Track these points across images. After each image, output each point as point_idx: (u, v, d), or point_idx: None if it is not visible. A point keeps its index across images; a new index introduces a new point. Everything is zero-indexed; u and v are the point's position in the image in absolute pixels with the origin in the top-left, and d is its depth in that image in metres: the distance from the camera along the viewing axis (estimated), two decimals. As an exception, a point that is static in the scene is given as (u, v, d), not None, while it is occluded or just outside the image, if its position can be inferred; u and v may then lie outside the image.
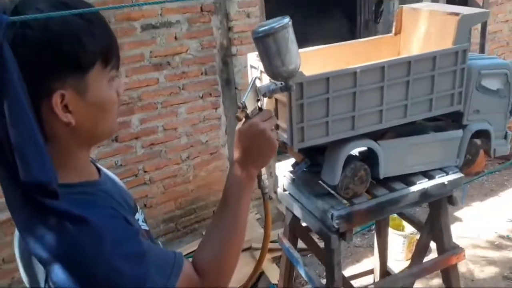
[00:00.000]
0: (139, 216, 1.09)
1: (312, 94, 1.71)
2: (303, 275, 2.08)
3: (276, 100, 1.81)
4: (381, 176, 1.91)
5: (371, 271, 2.69)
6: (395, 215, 3.67)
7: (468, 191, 4.62)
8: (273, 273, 3.27)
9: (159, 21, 3.56)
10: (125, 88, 3.55)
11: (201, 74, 3.85)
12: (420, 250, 2.12)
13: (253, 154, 1.08)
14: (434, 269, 2.06)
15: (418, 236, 3.41)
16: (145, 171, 3.69)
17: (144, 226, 1.09)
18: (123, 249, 0.85)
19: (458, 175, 2.02)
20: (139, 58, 3.60)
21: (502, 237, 3.95)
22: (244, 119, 1.12)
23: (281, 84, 1.26)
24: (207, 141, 3.93)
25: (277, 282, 2.71)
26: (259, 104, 1.19)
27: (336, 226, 1.80)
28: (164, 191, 3.79)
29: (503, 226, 4.12)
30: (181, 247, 3.60)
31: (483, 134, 2.10)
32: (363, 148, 1.95)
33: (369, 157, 1.93)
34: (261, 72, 1.85)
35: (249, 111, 1.12)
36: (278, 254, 3.46)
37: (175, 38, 3.66)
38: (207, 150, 3.93)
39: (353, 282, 2.46)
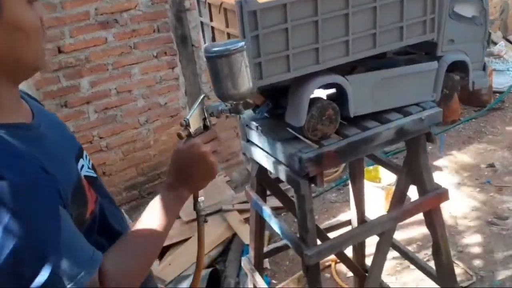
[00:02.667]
0: (83, 162, 1.04)
1: (268, 24, 1.51)
2: (274, 227, 1.91)
3: (228, 34, 1.59)
4: (352, 114, 1.73)
5: (348, 222, 2.55)
6: (371, 167, 3.58)
7: (446, 140, 4.51)
8: (246, 234, 3.12)
9: (103, -25, 3.27)
10: (71, 49, 3.28)
11: (154, 31, 3.59)
12: (399, 196, 1.97)
13: (188, 176, 1.03)
14: (415, 212, 1.91)
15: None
16: (100, 137, 3.44)
17: (90, 173, 1.05)
18: (35, 221, 0.78)
19: (436, 109, 1.86)
20: (83, 17, 3.33)
21: (482, 183, 3.85)
22: (185, 138, 1.07)
23: (231, 105, 1.20)
24: (166, 103, 3.70)
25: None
26: (205, 123, 1.13)
27: (305, 170, 1.62)
28: (123, 157, 3.56)
29: (483, 172, 4.03)
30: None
31: (459, 67, 1.94)
32: (331, 92, 1.77)
33: (338, 96, 1.74)
34: (213, 28, 1.70)
35: (193, 129, 1.07)
36: (249, 215, 3.32)
37: None
38: (166, 112, 3.70)
39: (329, 234, 2.31)
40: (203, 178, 1.06)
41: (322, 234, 2.26)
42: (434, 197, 1.91)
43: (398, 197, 1.97)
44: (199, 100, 1.15)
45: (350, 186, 2.46)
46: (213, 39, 1.72)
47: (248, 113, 2.01)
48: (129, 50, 3.51)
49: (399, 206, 1.95)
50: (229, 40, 1.50)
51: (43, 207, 0.80)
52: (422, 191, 1.93)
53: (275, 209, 2.06)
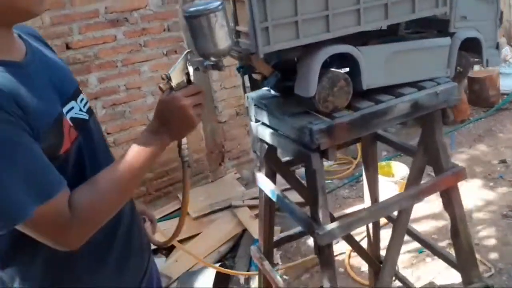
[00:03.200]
0: (75, 104, 1.10)
1: (277, -13, 1.46)
2: (285, 210, 1.83)
3: (234, 1, 1.54)
4: (364, 87, 1.66)
5: (362, 211, 2.43)
6: (384, 162, 3.50)
7: (456, 138, 4.55)
8: (256, 230, 3.03)
9: (113, -26, 3.29)
10: (79, 45, 3.28)
11: (164, 30, 3.60)
12: (414, 176, 1.88)
13: (169, 126, 1.07)
14: (432, 191, 1.82)
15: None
16: (108, 133, 3.40)
17: (81, 115, 1.10)
18: None
19: (451, 84, 1.78)
20: (93, 15, 3.34)
21: (495, 178, 3.81)
22: (169, 91, 1.11)
23: (213, 62, 1.22)
24: (176, 100, 3.66)
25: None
26: (188, 77, 1.16)
27: (317, 142, 1.54)
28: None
29: (495, 168, 3.99)
30: (154, 211, 3.35)
31: (472, 45, 1.86)
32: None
33: (350, 68, 1.68)
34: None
35: (175, 83, 1.11)
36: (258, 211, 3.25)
37: None
38: (175, 109, 3.65)
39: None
40: (182, 129, 1.10)
41: (334, 220, 2.16)
42: (451, 175, 1.82)
43: (415, 176, 1.88)
44: (183, 55, 1.16)
45: (364, 178, 2.37)
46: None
47: (256, 92, 1.96)
48: (138, 48, 3.51)
49: (415, 185, 1.86)
50: None
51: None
52: (438, 170, 1.84)
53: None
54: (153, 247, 1.48)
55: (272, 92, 1.91)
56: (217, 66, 1.23)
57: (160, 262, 3.00)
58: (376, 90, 1.72)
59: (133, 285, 1.25)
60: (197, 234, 3.10)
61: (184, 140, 1.22)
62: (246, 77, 3.96)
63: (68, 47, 3.24)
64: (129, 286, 1.23)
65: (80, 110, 1.12)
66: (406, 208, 1.81)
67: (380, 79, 1.71)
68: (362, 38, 1.74)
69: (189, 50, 1.20)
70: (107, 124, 3.40)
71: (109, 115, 3.40)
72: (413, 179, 1.88)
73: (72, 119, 1.06)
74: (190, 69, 1.17)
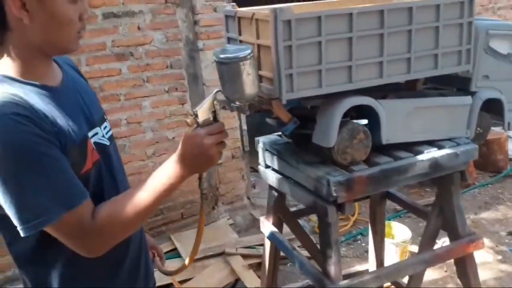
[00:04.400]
0: (99, 130, 1.19)
1: (302, 36, 1.45)
2: (294, 262, 1.73)
3: (259, 46, 1.52)
4: (384, 141, 1.62)
5: (365, 272, 2.34)
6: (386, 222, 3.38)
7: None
8: (250, 280, 2.91)
9: (121, 10, 3.31)
10: (87, 76, 3.19)
11: (166, 67, 3.59)
12: (427, 240, 1.81)
13: (190, 160, 1.10)
14: (447, 257, 1.74)
15: (410, 245, 3.10)
16: (105, 167, 3.30)
17: (102, 141, 1.19)
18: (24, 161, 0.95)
19: (471, 146, 1.75)
20: (100, 47, 3.32)
21: (503, 251, 3.47)
22: (195, 126, 1.14)
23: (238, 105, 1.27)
24: (174, 137, 3.61)
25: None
26: (215, 115, 1.17)
27: (334, 195, 1.48)
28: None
29: (503, 240, 3.66)
30: (145, 253, 3.22)
31: (493, 106, 1.84)
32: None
33: (369, 121, 1.65)
34: (241, 42, 1.66)
35: (201, 119, 1.13)
36: (254, 260, 3.14)
37: (138, 28, 3.42)
38: (174, 147, 3.51)
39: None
40: (203, 165, 1.13)
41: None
42: (467, 243, 1.74)
43: (428, 240, 1.81)
44: (211, 94, 1.19)
45: (370, 237, 2.28)
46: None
47: (268, 138, 1.91)
48: (141, 83, 3.48)
49: (429, 250, 1.78)
50: (242, 46, 1.43)
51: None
52: (454, 236, 1.76)
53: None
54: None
55: (285, 138, 1.87)
56: (242, 110, 1.27)
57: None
58: (393, 146, 1.68)
59: None
60: (190, 279, 2.96)
61: (204, 174, 1.24)
62: (243, 120, 3.95)
63: (74, 78, 3.20)
64: None
65: (103, 136, 1.21)
66: (418, 273, 1.73)
67: (400, 134, 1.67)
68: (381, 91, 1.72)
69: (218, 90, 1.22)
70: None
71: (107, 148, 3.31)
72: (426, 243, 1.81)
73: (95, 143, 1.15)
74: (217, 108, 1.18)
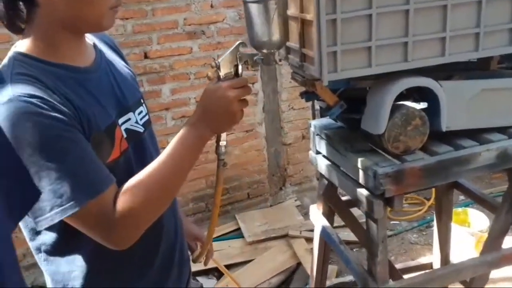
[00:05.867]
0: (132, 116, 1.12)
1: (349, 8, 1.29)
2: (340, 257, 1.63)
3: (302, 21, 1.39)
4: (443, 128, 1.43)
5: (429, 266, 2.16)
6: (460, 209, 3.12)
7: None
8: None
9: (194, -12, 3.31)
10: (157, 55, 3.31)
11: (238, 45, 3.53)
12: (495, 237, 1.59)
13: (210, 117, 1.02)
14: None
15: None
16: (173, 145, 3.38)
17: (136, 128, 1.12)
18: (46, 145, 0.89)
19: (549, 134, 1.49)
20: (172, 25, 3.35)
21: None
22: (216, 80, 1.07)
23: (264, 56, 1.16)
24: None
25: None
26: (237, 69, 1.11)
27: (381, 188, 1.34)
28: (194, 167, 3.44)
29: None
30: (210, 230, 3.27)
31: None
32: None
33: (428, 105, 1.46)
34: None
35: (223, 73, 1.07)
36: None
37: (211, 6, 3.40)
38: (242, 127, 3.56)
39: (405, 277, 1.96)
40: (224, 121, 1.04)
41: (396, 274, 1.91)
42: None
43: (494, 239, 1.59)
44: (234, 46, 1.11)
45: (434, 227, 2.09)
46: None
47: (321, 120, 1.79)
48: (212, 61, 3.46)
49: (495, 250, 1.57)
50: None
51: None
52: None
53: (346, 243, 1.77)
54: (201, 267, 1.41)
55: (338, 122, 1.73)
56: (267, 61, 1.16)
57: (210, 283, 2.89)
58: (456, 134, 1.48)
59: None
60: (250, 261, 2.95)
61: (223, 137, 1.14)
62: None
63: (146, 56, 3.28)
64: None
65: (136, 122, 1.13)
66: (482, 275, 1.53)
67: (463, 120, 1.47)
68: (445, 71, 1.52)
69: (241, 41, 1.12)
70: (174, 135, 3.37)
71: (177, 126, 3.37)
72: (493, 240, 1.60)
73: (126, 130, 1.09)
74: (240, 62, 1.11)
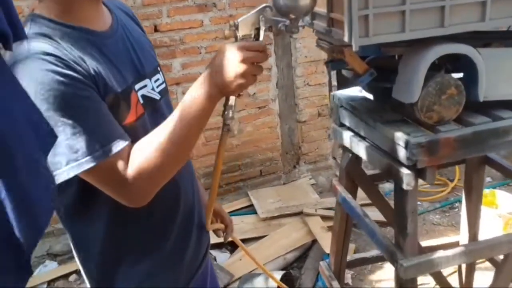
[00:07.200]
0: (148, 83, 1.12)
1: (384, -32, 1.20)
2: (365, 230, 1.57)
3: (332, -17, 1.31)
4: (481, 98, 1.36)
5: (455, 244, 2.09)
6: (487, 190, 3.02)
7: None
8: (327, 243, 2.77)
9: (205, -42, 3.19)
10: (167, 28, 3.23)
11: (251, 18, 3.41)
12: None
13: (219, 76, 0.97)
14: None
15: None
16: (184, 121, 3.32)
17: (152, 94, 1.12)
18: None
19: None
20: (183, -3, 3.24)
21: None
22: (234, 40, 1.02)
23: (289, 22, 1.06)
24: (255, 93, 3.49)
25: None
26: (259, 32, 1.04)
27: (413, 159, 1.27)
28: (205, 142, 3.38)
29: None
30: (223, 205, 3.23)
31: None
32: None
33: (464, 74, 1.38)
34: None
35: (241, 34, 1.02)
36: (332, 223, 2.99)
37: None
38: (255, 103, 3.48)
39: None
40: (232, 82, 0.96)
41: (421, 250, 1.86)
42: None
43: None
44: (258, 8, 1.03)
45: (463, 206, 2.01)
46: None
47: (345, 92, 1.71)
48: (223, 35, 3.37)
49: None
50: None
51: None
52: None
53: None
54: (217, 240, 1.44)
55: (364, 93, 1.66)
56: (291, 29, 1.05)
57: (223, 257, 2.86)
58: (492, 104, 1.40)
59: (191, 269, 1.24)
60: (263, 237, 2.92)
61: (232, 101, 1.06)
62: (333, 74, 3.64)
63: (156, 30, 3.19)
64: (188, 268, 1.23)
65: (153, 89, 1.13)
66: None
67: (502, 90, 1.39)
68: (480, 39, 1.43)
69: (267, 4, 1.05)
70: (185, 111, 3.32)
71: (188, 102, 3.31)
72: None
73: (143, 96, 1.08)
74: (262, 26, 1.04)
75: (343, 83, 1.65)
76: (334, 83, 3.84)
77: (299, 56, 3.53)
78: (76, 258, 1.15)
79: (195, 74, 3.30)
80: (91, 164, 0.90)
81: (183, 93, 3.25)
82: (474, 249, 1.45)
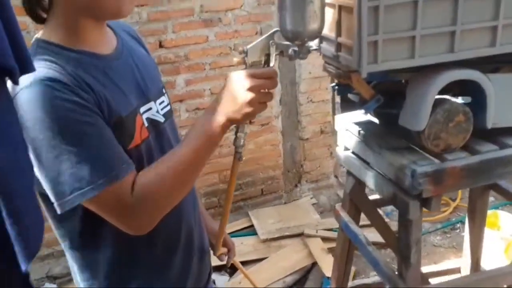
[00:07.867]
0: (153, 106, 1.11)
1: (394, -7, 1.18)
2: (367, 258, 1.53)
3: (340, 7, 1.29)
4: (489, 125, 1.33)
5: (456, 270, 2.05)
6: (489, 211, 2.97)
7: None
8: (328, 266, 2.73)
9: (212, -27, 3.19)
10: (172, 45, 3.21)
11: (256, 33, 3.40)
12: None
13: (229, 104, 0.96)
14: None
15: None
16: (186, 137, 3.28)
17: (157, 117, 1.12)
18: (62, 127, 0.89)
19: None
20: (188, 12, 3.23)
21: None
22: (244, 67, 1.01)
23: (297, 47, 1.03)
24: (259, 111, 3.47)
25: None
26: (268, 58, 1.02)
27: (419, 188, 1.24)
28: (208, 161, 3.35)
29: None
30: (221, 226, 3.18)
31: None
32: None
33: (473, 100, 1.35)
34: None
35: (250, 60, 1.01)
36: (334, 244, 2.92)
37: None
38: (257, 120, 3.45)
39: (432, 281, 1.86)
40: (241, 110, 0.95)
41: (423, 278, 1.81)
42: None
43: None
44: (268, 34, 1.01)
45: (466, 230, 1.97)
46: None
47: (350, 114, 1.68)
48: (228, 51, 3.36)
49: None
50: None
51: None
52: None
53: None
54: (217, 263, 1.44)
55: (370, 117, 1.63)
56: (299, 54, 1.03)
57: (222, 280, 2.80)
58: (500, 131, 1.37)
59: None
60: (263, 259, 2.87)
61: (243, 128, 1.09)
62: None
63: (161, 46, 3.17)
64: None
65: (157, 112, 1.13)
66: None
67: (511, 117, 1.36)
68: (490, 63, 1.41)
69: (277, 29, 1.02)
70: (188, 128, 3.27)
71: (191, 119, 3.27)
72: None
73: (147, 119, 1.08)
74: (272, 51, 1.02)
75: (348, 106, 1.62)
76: (337, 100, 3.82)
77: (302, 72, 3.50)
78: (79, 282, 1.13)
79: (199, 91, 3.28)
80: (96, 192, 0.90)
81: (187, 110, 3.27)
82: (476, 280, 1.41)
